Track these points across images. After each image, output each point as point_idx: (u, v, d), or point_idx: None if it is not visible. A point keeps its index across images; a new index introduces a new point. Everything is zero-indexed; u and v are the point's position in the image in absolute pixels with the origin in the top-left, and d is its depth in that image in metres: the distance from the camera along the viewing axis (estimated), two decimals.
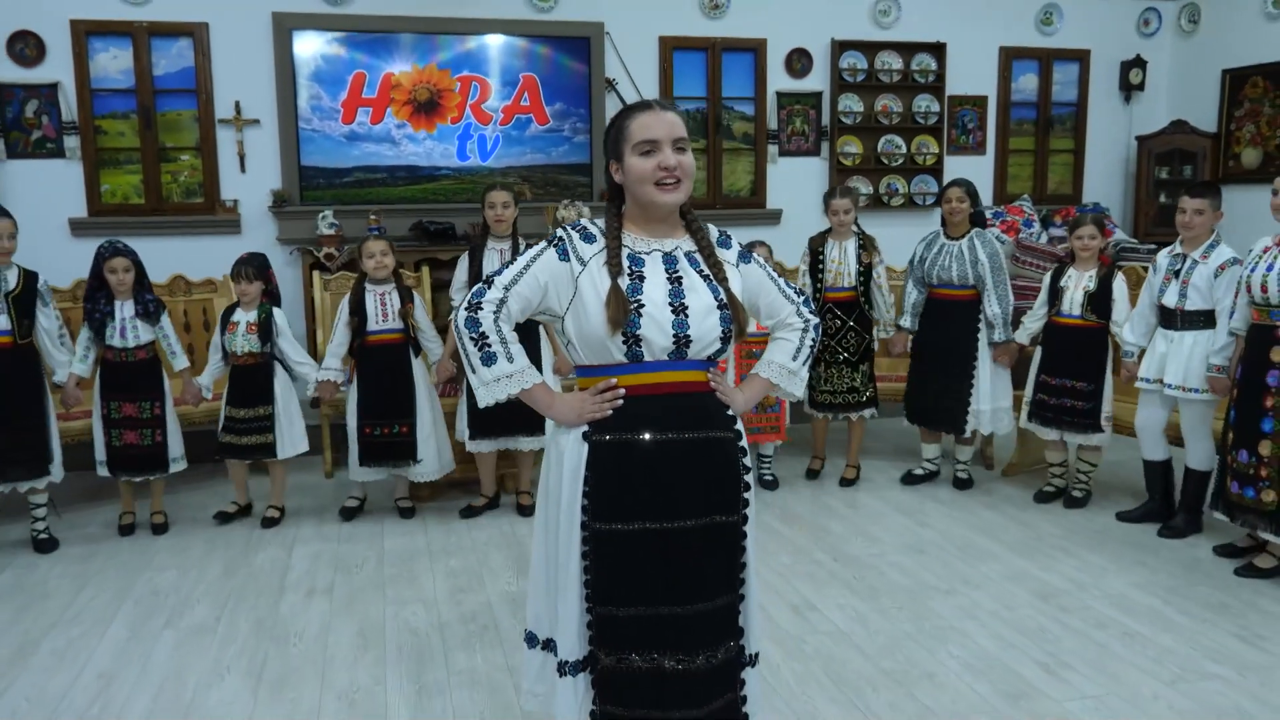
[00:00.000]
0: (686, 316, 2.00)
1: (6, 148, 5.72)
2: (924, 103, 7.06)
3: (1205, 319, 4.03)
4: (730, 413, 2.12)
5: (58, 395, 4.27)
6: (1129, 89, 7.37)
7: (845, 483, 4.96)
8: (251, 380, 4.38)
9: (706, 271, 2.08)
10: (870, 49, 6.91)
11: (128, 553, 4.17)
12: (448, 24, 6.21)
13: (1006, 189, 7.33)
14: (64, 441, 4.35)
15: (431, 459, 4.50)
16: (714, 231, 2.17)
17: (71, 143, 5.80)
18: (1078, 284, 4.50)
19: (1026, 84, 7.27)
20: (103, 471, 4.33)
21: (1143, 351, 4.27)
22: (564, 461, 2.06)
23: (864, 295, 4.85)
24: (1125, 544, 4.10)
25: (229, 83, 5.98)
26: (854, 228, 4.91)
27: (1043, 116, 7.33)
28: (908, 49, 6.97)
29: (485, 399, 2.04)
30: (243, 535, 4.36)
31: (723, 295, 2.05)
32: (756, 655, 2.18)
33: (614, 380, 2.02)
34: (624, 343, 1.97)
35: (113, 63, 5.83)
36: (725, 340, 2.05)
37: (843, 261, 4.84)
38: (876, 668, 3.05)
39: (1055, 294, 4.56)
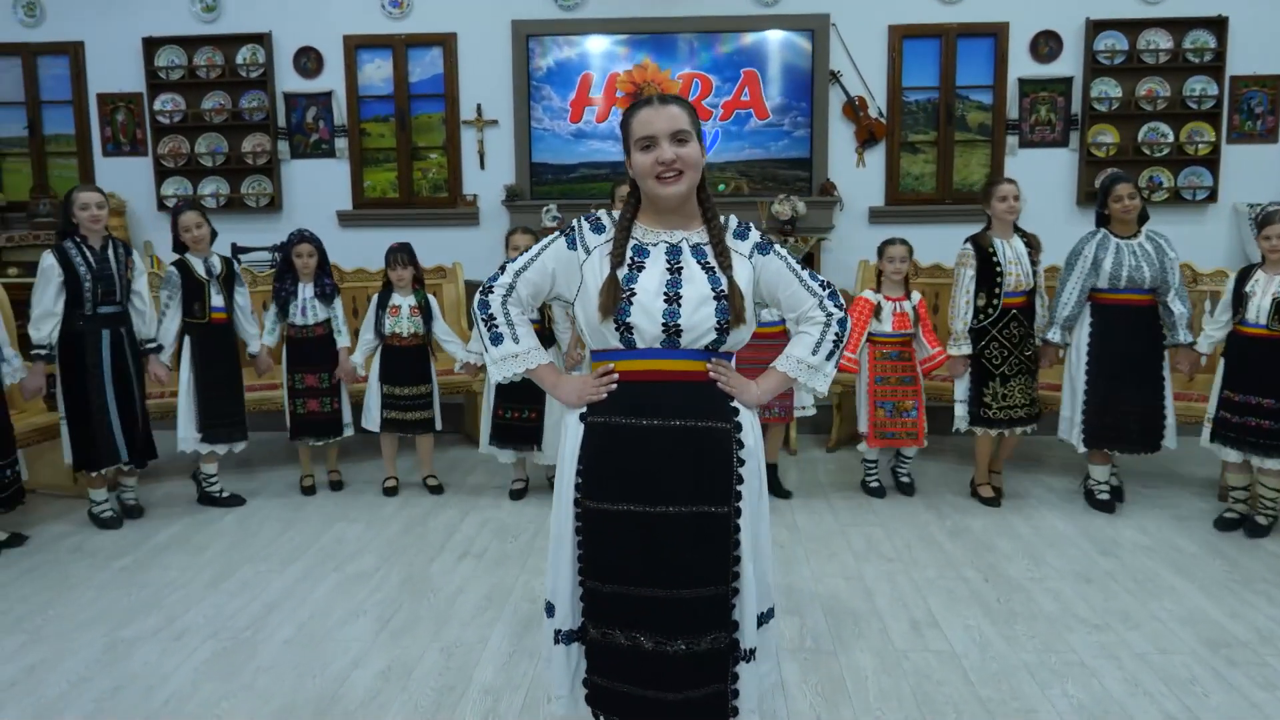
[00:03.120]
0: (679, 306, 2.01)
1: (290, 149, 6.61)
2: (1198, 85, 6.27)
3: None
4: (733, 404, 2.09)
5: (249, 366, 4.83)
6: None
7: (989, 501, 4.56)
8: (412, 360, 4.74)
9: (712, 263, 2.06)
10: (1132, 28, 6.25)
11: (333, 505, 4.72)
12: (672, 23, 6.39)
13: None
14: (249, 410, 4.87)
15: (554, 445, 4.66)
16: (734, 223, 2.15)
17: (341, 144, 6.60)
18: (1265, 290, 3.93)
19: None
20: (290, 438, 4.84)
21: None
22: (567, 440, 2.14)
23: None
24: None
25: (472, 87, 6.53)
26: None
27: None
28: (1179, 25, 6.23)
29: (495, 376, 2.19)
30: (431, 499, 4.78)
31: (724, 286, 2.03)
32: (752, 651, 2.12)
33: (611, 365, 2.08)
34: (617, 329, 2.03)
35: (376, 72, 6.56)
36: (721, 331, 2.03)
37: (1018, 261, 4.41)
38: (973, 695, 2.82)
39: (1239, 300, 4.01)
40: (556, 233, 2.15)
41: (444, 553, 4.07)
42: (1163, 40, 6.24)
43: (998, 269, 4.37)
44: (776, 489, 4.70)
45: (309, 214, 6.63)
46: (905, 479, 4.79)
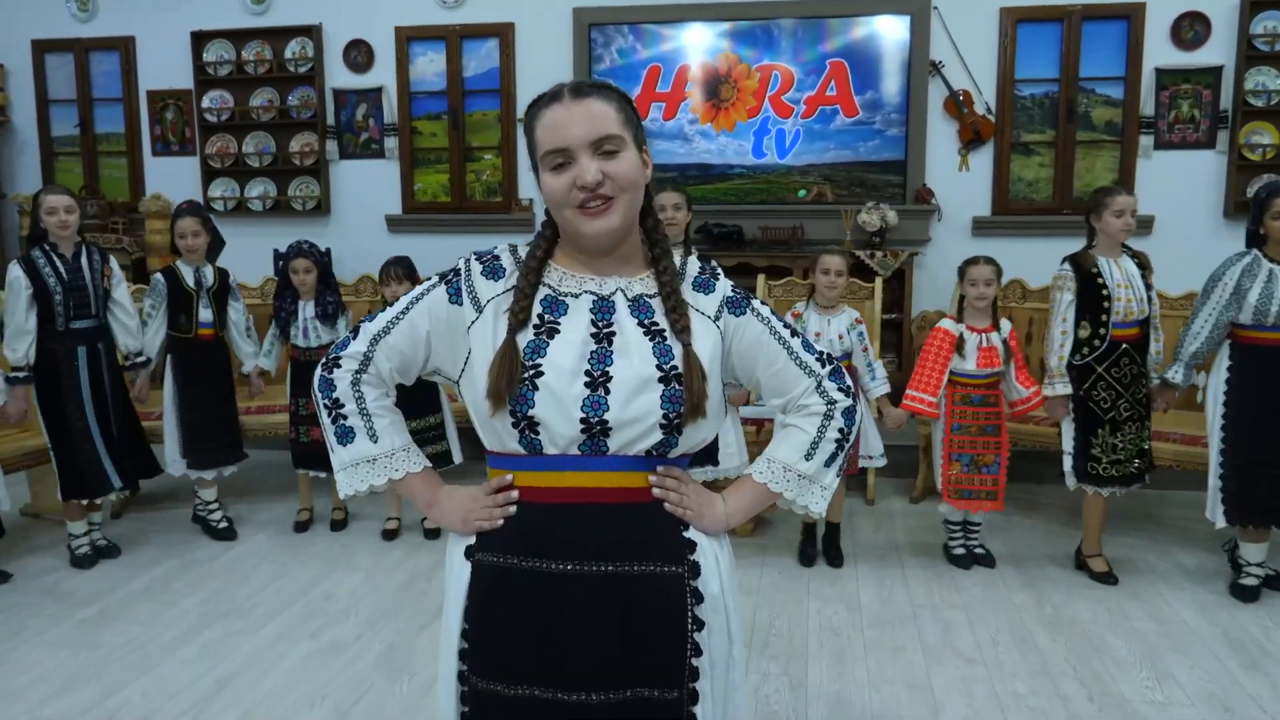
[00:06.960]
0: (606, 393, 1.36)
1: (339, 149, 6.20)
2: None
3: None
4: (688, 534, 1.43)
5: (244, 386, 4.43)
6: None
7: (1101, 577, 3.80)
8: (415, 389, 4.20)
9: (661, 325, 1.42)
10: None
11: (339, 547, 4.23)
12: (750, 9, 5.70)
13: None
14: (251, 435, 4.56)
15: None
16: (694, 267, 1.49)
17: (391, 143, 6.14)
18: None
19: None
20: (294, 466, 4.40)
21: None
22: (451, 582, 1.49)
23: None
24: None
25: (530, 81, 5.98)
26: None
27: None
28: None
29: (344, 488, 1.52)
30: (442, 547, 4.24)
31: (676, 361, 1.38)
32: None
33: (509, 478, 1.44)
34: (515, 426, 1.38)
35: (429, 66, 6.09)
36: (671, 429, 1.38)
37: (1129, 285, 3.63)
38: None
39: None
40: (434, 278, 1.50)
41: (438, 619, 3.50)
42: None
43: (1104, 294, 3.61)
44: (834, 555, 4.01)
45: (357, 218, 6.21)
46: (979, 549, 4.01)
